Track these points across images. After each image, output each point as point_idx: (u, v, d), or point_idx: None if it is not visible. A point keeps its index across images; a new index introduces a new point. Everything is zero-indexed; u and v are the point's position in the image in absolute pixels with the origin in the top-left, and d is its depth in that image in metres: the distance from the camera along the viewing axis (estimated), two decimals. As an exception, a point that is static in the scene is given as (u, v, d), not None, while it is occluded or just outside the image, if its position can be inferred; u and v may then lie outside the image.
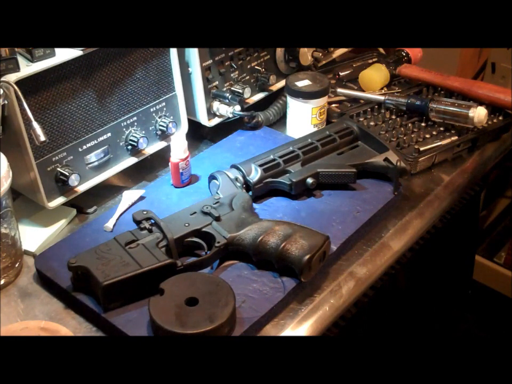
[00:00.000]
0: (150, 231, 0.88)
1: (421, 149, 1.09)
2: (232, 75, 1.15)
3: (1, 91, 0.84)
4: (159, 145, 1.08)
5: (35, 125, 0.86)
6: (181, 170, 1.01)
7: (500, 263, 1.95)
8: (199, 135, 1.19)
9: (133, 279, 0.81)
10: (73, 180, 0.95)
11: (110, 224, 0.94)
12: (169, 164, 1.01)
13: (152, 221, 0.89)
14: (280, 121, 1.21)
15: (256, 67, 1.20)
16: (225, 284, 0.80)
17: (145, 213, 0.90)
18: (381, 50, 1.40)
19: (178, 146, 1.00)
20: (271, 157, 1.01)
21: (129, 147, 1.03)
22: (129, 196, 0.99)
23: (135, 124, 1.03)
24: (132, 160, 1.05)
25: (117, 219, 0.95)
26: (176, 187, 1.02)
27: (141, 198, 1.00)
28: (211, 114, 1.14)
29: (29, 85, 0.87)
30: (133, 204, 0.98)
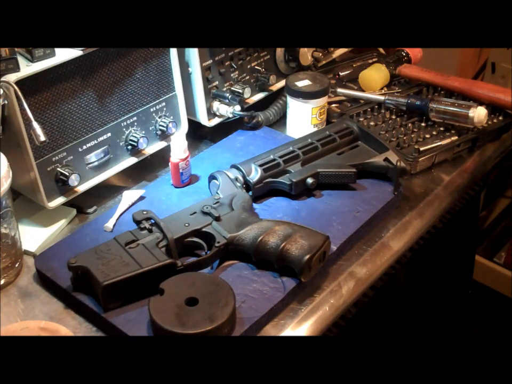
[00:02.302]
0: (150, 231, 0.88)
1: (421, 149, 1.09)
2: (232, 75, 1.15)
3: (1, 91, 0.84)
4: (159, 145, 1.08)
5: (35, 125, 0.86)
6: (181, 170, 1.01)
7: (500, 263, 1.95)
8: (199, 135, 1.19)
9: (133, 279, 0.81)
10: (73, 180, 0.95)
11: (110, 224, 0.94)
12: (169, 164, 1.01)
13: (152, 221, 0.89)
14: (280, 121, 1.21)
15: (256, 67, 1.20)
16: (225, 284, 0.80)
17: (145, 213, 0.90)
18: (381, 50, 1.40)
19: (178, 146, 1.00)
20: (271, 157, 1.01)
21: (129, 147, 1.03)
22: (129, 196, 0.99)
23: (135, 123, 1.03)
24: (132, 160, 1.05)
25: (117, 219, 0.95)
26: (176, 187, 1.02)
27: (141, 198, 1.00)
28: (211, 114, 1.14)
29: (29, 85, 0.87)
30: (133, 204, 0.98)
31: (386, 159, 1.01)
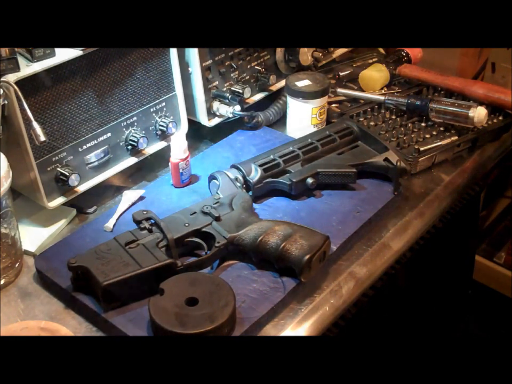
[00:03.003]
0: (150, 231, 0.87)
1: (421, 149, 1.08)
2: (232, 75, 1.15)
3: (1, 91, 0.84)
4: (159, 145, 1.08)
5: (35, 125, 0.86)
6: (181, 170, 1.01)
7: (500, 263, 1.95)
8: (199, 135, 1.18)
9: (132, 279, 0.81)
10: (73, 180, 0.95)
11: (110, 224, 0.94)
12: (169, 164, 1.01)
13: (152, 221, 0.89)
14: (280, 121, 1.21)
15: (256, 67, 1.20)
16: (225, 284, 0.80)
17: (145, 213, 0.89)
18: (381, 50, 1.40)
19: (178, 146, 1.00)
20: (271, 157, 1.01)
21: (129, 147, 1.03)
22: (129, 196, 0.99)
23: (135, 124, 1.03)
24: (131, 160, 1.05)
25: (117, 219, 0.95)
26: (176, 187, 1.02)
27: (141, 198, 1.00)
28: (211, 114, 1.14)
29: (29, 85, 0.87)
30: (133, 204, 0.98)
31: (386, 159, 1.01)
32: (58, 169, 0.95)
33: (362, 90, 1.26)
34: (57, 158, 0.94)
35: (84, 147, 0.97)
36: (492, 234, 2.07)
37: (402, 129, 1.14)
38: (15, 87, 0.84)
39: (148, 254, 0.84)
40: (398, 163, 0.99)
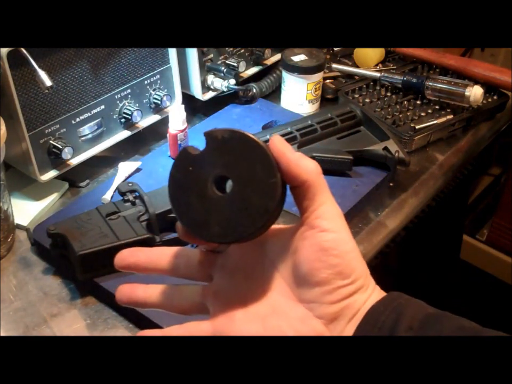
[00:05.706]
0: (134, 203, 0.86)
1: (417, 127, 1.08)
2: (227, 48, 1.13)
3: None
4: (152, 118, 1.06)
5: (40, 72, 0.83)
6: (179, 142, 0.99)
7: (482, 240, 1.97)
8: (191, 109, 1.16)
9: (109, 251, 0.79)
10: (67, 153, 0.92)
11: (107, 196, 0.92)
12: (167, 135, 0.99)
13: (137, 194, 0.87)
14: (274, 94, 1.19)
15: (251, 40, 1.17)
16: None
17: (130, 185, 0.88)
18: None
19: (177, 117, 0.98)
20: (267, 136, 0.98)
21: (123, 120, 1.01)
22: (125, 168, 0.97)
23: (129, 96, 1.01)
24: (125, 134, 1.02)
25: (114, 191, 0.93)
26: (173, 158, 1.00)
27: (138, 170, 0.98)
28: (205, 88, 1.11)
29: (21, 56, 0.84)
30: (130, 176, 0.97)
31: (385, 148, 0.98)
32: (51, 141, 0.92)
33: (357, 66, 1.24)
34: (50, 130, 0.92)
35: (77, 119, 0.95)
36: (475, 211, 2.08)
37: (397, 106, 1.13)
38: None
39: (127, 227, 0.82)
40: (397, 154, 0.97)
